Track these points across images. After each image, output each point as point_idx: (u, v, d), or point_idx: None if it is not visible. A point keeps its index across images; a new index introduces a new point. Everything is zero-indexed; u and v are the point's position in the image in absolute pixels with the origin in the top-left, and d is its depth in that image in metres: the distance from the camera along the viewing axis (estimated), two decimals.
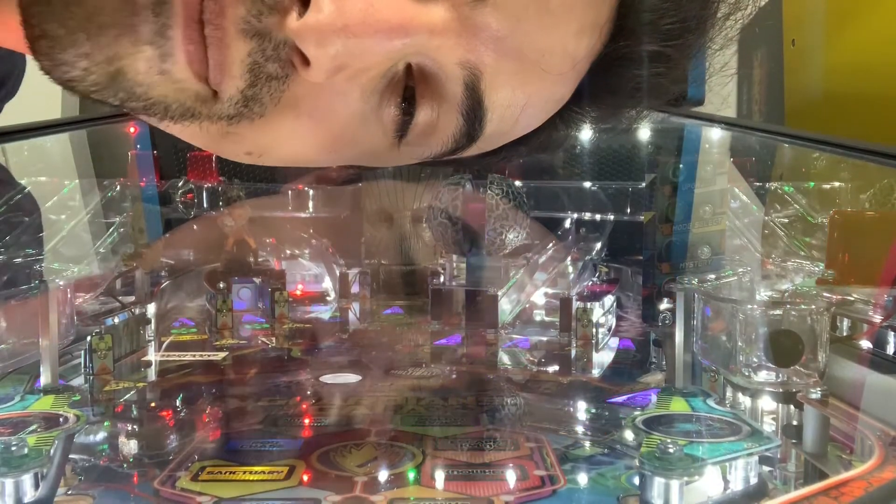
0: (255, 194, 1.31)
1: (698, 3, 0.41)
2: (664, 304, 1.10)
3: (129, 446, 0.66)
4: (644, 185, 1.21)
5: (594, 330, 1.04)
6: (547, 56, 0.39)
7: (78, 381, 0.84)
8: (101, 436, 0.69)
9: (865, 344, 0.69)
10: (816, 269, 0.89)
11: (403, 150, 0.42)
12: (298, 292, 1.32)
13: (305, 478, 0.59)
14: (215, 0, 0.33)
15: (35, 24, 0.33)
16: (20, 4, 0.33)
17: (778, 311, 0.64)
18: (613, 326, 1.14)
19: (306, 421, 0.75)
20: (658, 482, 0.52)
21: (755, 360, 0.63)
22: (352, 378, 0.89)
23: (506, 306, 1.13)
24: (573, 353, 1.02)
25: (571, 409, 0.82)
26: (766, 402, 0.65)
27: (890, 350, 0.69)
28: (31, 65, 0.35)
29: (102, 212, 1.19)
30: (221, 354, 0.98)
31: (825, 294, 0.74)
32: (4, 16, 0.38)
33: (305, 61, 0.35)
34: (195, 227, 1.28)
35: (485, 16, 0.36)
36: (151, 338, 1.02)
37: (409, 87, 0.39)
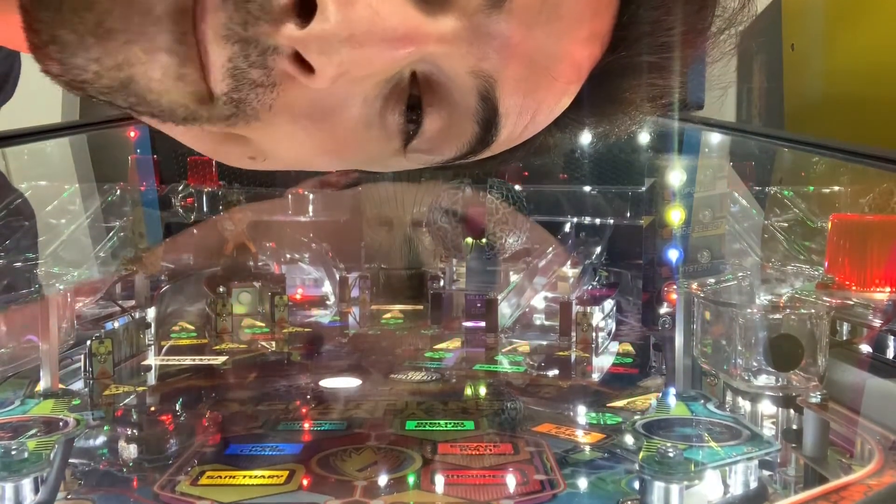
0: (255, 199, 1.31)
1: (697, 16, 0.42)
2: (664, 308, 1.11)
3: (129, 450, 0.66)
4: (644, 189, 1.21)
5: (594, 334, 1.04)
6: (556, 63, 0.39)
7: (78, 385, 0.84)
8: (100, 440, 0.69)
9: (865, 348, 0.69)
10: (816, 273, 0.88)
11: (411, 156, 0.42)
12: (298, 296, 1.32)
13: (305, 482, 0.59)
14: (198, 4, 0.33)
15: (42, 29, 0.33)
16: (23, 9, 0.33)
17: (778, 316, 0.64)
18: (613, 330, 1.14)
19: (306, 425, 0.75)
20: (658, 486, 0.52)
21: (755, 364, 0.63)
22: (351, 382, 0.89)
23: (506, 310, 1.14)
24: (573, 357, 1.02)
25: (571, 413, 0.81)
26: (766, 406, 0.65)
27: (889, 354, 0.69)
28: (33, 69, 0.35)
29: (102, 216, 1.19)
30: (221, 358, 0.98)
31: (825, 298, 0.74)
32: (4, 14, 0.38)
33: (308, 69, 0.35)
34: (195, 231, 1.28)
35: (499, 23, 0.36)
36: (151, 342, 1.02)
37: (414, 94, 0.39)
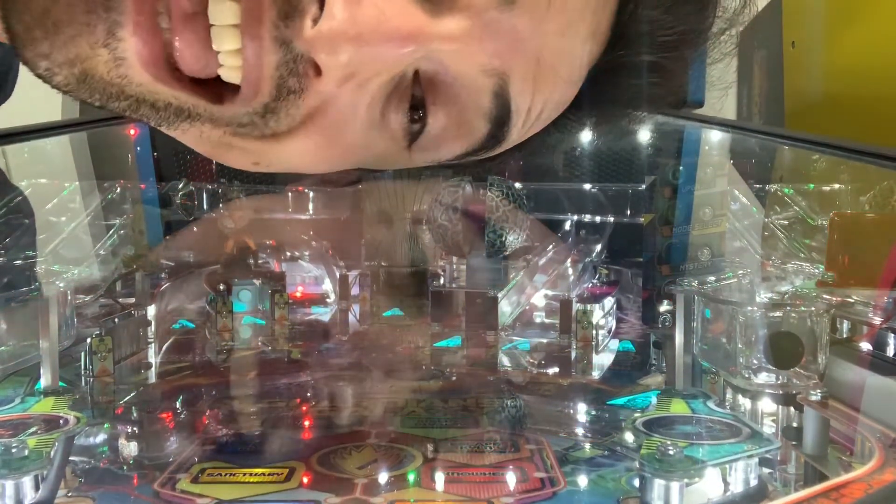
0: (256, 196, 1.31)
1: (696, 17, 0.42)
2: (664, 306, 1.11)
3: (130, 448, 0.66)
4: (644, 187, 1.21)
5: (594, 332, 1.04)
6: (560, 59, 0.39)
7: (78, 382, 0.84)
8: (101, 438, 0.69)
9: (865, 346, 0.69)
10: (816, 271, 0.88)
11: (416, 155, 0.42)
12: (298, 294, 1.32)
13: (305, 480, 0.59)
14: (253, 3, 0.33)
15: (2, 21, 0.33)
16: None
17: (778, 313, 0.64)
18: (613, 328, 1.14)
19: (306, 423, 0.75)
20: (658, 484, 0.52)
21: (755, 361, 0.63)
22: (352, 380, 0.89)
23: (506, 308, 1.14)
24: (573, 354, 1.02)
25: (571, 411, 0.81)
26: (766, 404, 0.65)
27: (890, 352, 0.69)
28: None
29: (102, 214, 1.19)
30: (221, 356, 0.98)
31: (825, 296, 0.74)
32: None
33: (318, 71, 0.35)
34: (195, 229, 1.28)
35: (512, 18, 0.36)
36: (151, 339, 1.02)
37: (417, 94, 0.39)
